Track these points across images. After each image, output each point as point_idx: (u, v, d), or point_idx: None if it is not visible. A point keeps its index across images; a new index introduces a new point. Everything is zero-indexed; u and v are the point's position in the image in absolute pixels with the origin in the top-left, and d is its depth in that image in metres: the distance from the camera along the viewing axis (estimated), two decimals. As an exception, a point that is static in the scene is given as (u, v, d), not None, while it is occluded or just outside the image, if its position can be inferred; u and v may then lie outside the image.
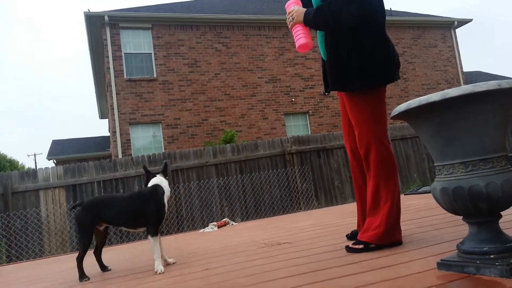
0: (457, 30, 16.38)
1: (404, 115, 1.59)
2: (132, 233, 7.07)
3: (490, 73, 20.68)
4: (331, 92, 2.32)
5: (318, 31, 2.34)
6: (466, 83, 16.21)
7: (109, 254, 4.46)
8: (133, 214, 2.58)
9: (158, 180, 2.69)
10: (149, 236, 2.49)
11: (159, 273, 2.36)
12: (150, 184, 2.67)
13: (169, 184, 2.92)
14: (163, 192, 2.61)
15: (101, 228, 2.73)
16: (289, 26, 2.30)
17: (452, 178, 1.47)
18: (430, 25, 15.91)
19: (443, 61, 15.87)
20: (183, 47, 12.67)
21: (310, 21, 2.20)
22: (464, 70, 16.50)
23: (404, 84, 14.95)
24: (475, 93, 1.36)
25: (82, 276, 2.54)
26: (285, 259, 2.25)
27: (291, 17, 2.27)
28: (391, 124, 9.45)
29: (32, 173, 6.98)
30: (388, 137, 2.21)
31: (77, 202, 2.73)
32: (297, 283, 1.65)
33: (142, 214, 2.54)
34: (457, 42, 16.22)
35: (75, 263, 2.64)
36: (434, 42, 15.88)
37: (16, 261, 6.23)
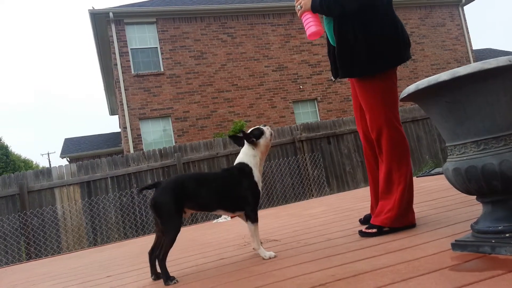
0: (465, 7, 16.04)
1: (413, 97, 1.56)
2: (147, 226, 7.16)
3: (500, 50, 20.26)
4: (340, 78, 2.30)
5: (325, 18, 2.33)
6: (476, 61, 15.90)
7: (124, 248, 4.52)
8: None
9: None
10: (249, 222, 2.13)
11: (272, 258, 2.06)
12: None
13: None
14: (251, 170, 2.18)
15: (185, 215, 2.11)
16: (298, 14, 2.30)
17: (465, 158, 1.45)
18: (437, 3, 15.60)
19: (452, 40, 15.59)
20: (188, 40, 12.64)
21: (317, 8, 2.19)
22: (473, 48, 16.19)
23: (413, 65, 14.74)
24: (484, 70, 1.33)
25: (169, 277, 1.92)
26: (298, 246, 2.25)
27: (299, 5, 2.27)
28: (401, 106, 9.35)
29: (47, 172, 7.08)
30: (399, 120, 2.20)
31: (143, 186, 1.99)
32: (311, 270, 1.65)
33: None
34: (465, 20, 15.89)
35: (92, 259, 2.68)
36: (442, 21, 15.58)
37: (36, 258, 6.37)
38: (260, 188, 2.17)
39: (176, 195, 1.96)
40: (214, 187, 2.09)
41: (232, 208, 2.15)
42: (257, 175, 2.17)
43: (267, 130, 2.29)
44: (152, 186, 2.04)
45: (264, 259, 2.07)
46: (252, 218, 2.09)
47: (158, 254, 1.95)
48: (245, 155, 2.22)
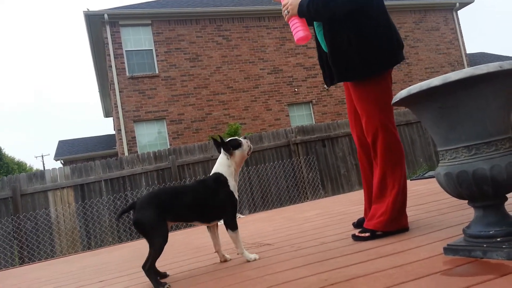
0: (459, 11, 16.17)
1: (405, 101, 1.57)
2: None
3: (494, 54, 20.43)
4: (336, 82, 2.30)
5: (315, 23, 2.32)
6: (469, 65, 16.04)
7: (118, 252, 4.50)
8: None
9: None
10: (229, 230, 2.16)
11: (257, 259, 2.14)
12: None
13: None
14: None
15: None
16: (285, 19, 2.28)
17: (456, 163, 1.46)
18: (431, 8, 15.72)
19: (446, 43, 15.70)
20: (183, 42, 12.63)
21: (304, 12, 2.17)
22: (467, 52, 16.32)
23: (407, 69, 14.82)
24: (476, 76, 1.34)
25: (159, 283, 1.90)
26: (291, 250, 2.25)
27: (286, 10, 2.24)
28: (395, 109, 9.38)
29: (40, 175, 7.03)
30: (394, 124, 2.20)
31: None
32: (304, 274, 1.65)
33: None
34: (459, 24, 16.01)
35: (85, 263, 2.66)
36: (436, 25, 15.69)
37: (29, 262, 6.31)
38: (236, 196, 2.19)
39: (155, 208, 1.96)
40: (190, 199, 2.09)
41: (208, 219, 2.18)
42: (232, 184, 2.18)
43: (245, 142, 2.30)
44: (129, 209, 2.01)
45: (248, 261, 2.13)
46: (231, 226, 2.13)
47: (144, 264, 1.93)
48: (220, 165, 2.24)
